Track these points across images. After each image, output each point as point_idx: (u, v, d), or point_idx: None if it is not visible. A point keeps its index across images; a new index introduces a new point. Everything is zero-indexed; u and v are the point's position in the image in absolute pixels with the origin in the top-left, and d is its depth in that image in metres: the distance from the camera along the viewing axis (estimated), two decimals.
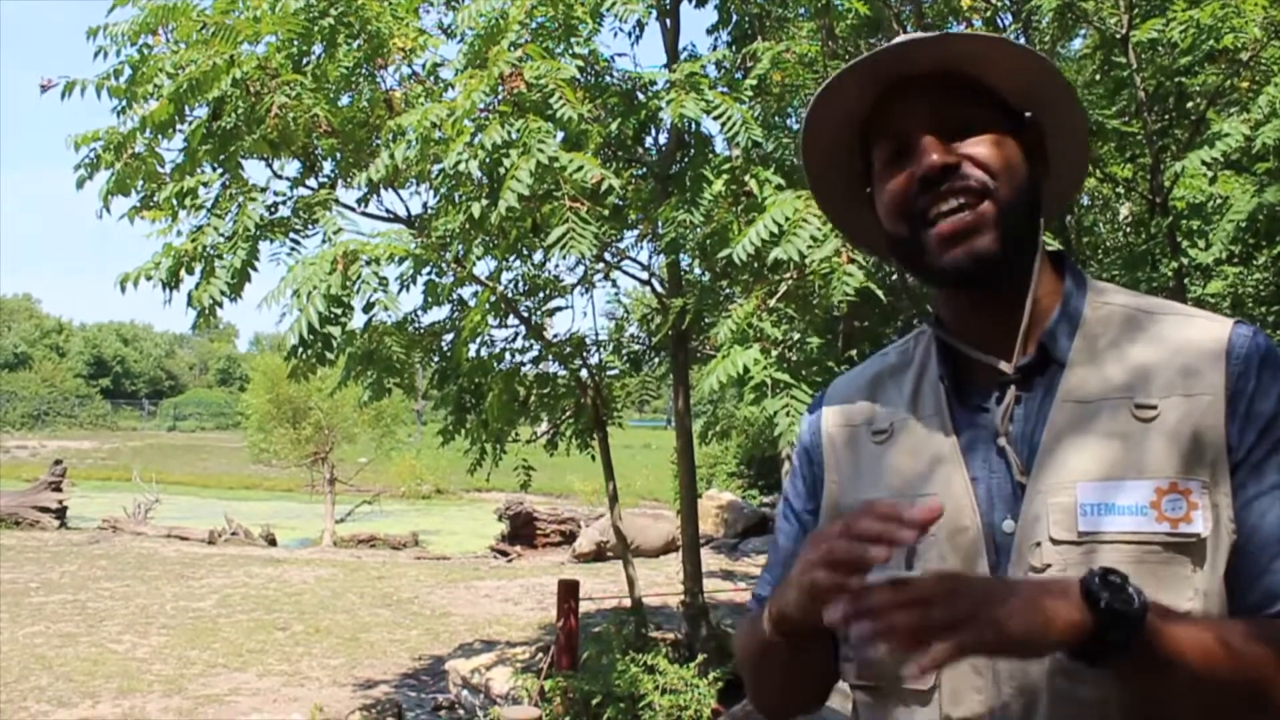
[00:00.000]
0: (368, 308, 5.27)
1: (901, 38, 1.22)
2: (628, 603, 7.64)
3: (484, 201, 4.94)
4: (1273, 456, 1.08)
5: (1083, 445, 1.11)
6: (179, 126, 5.37)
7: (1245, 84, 5.77)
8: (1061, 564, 1.08)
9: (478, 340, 6.56)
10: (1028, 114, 1.21)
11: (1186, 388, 1.10)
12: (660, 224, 5.54)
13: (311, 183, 5.99)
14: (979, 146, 1.15)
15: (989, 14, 6.53)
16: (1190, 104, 6.52)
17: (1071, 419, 1.13)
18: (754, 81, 5.84)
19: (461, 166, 4.67)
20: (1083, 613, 0.96)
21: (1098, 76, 6.60)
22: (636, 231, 7.10)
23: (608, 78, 6.19)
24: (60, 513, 18.79)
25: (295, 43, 5.31)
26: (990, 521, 1.14)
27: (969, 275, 1.16)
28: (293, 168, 5.97)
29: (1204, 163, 5.06)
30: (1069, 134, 1.25)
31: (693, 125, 5.72)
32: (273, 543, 17.87)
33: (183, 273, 5.27)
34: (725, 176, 5.43)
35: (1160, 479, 1.07)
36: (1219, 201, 5.75)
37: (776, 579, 1.32)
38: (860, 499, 1.24)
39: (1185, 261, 5.70)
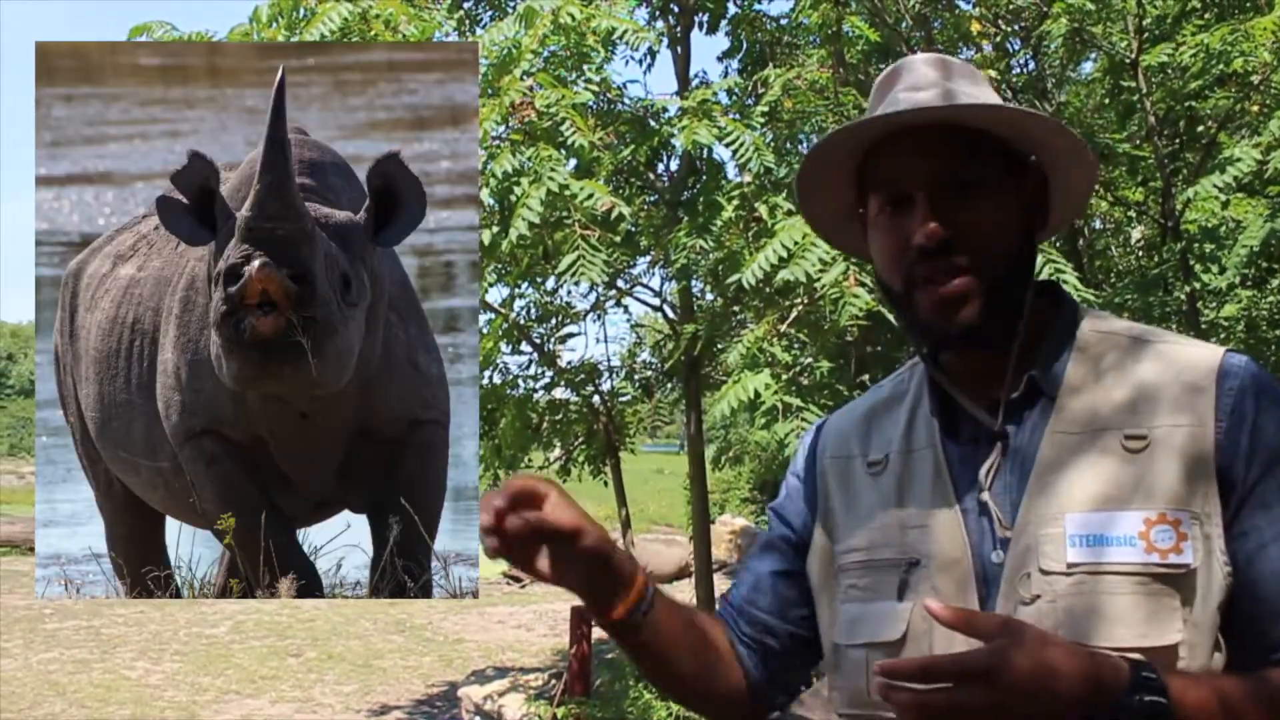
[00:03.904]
0: None
1: (914, 78, 1.21)
2: None
3: (495, 229, 4.97)
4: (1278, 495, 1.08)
5: (1072, 477, 1.11)
6: None
7: (1256, 107, 5.77)
8: (1051, 594, 1.08)
9: (491, 368, 6.58)
10: (1033, 158, 1.22)
11: (1176, 417, 1.10)
12: (672, 250, 5.56)
13: None
14: (979, 214, 1.16)
15: (999, 39, 6.55)
16: (1201, 127, 6.52)
17: (1061, 451, 1.13)
18: (765, 108, 5.86)
19: None
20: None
21: (1107, 100, 6.60)
22: (648, 258, 7.13)
23: (619, 105, 6.23)
24: None
25: None
26: (980, 554, 1.14)
27: (953, 343, 1.19)
28: None
29: (1216, 187, 5.05)
30: (1073, 173, 1.25)
31: (705, 152, 5.74)
32: None
33: None
34: (736, 202, 5.45)
35: (1149, 510, 1.07)
36: (1232, 225, 5.73)
37: (742, 591, 1.39)
38: (854, 530, 1.26)
39: (1198, 285, 5.68)
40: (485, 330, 6.48)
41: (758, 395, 4.64)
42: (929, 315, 1.17)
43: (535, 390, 7.14)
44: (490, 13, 7.05)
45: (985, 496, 1.15)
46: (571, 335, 7.39)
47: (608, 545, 1.20)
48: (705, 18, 6.93)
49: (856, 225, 1.29)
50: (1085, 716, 0.95)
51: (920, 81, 1.22)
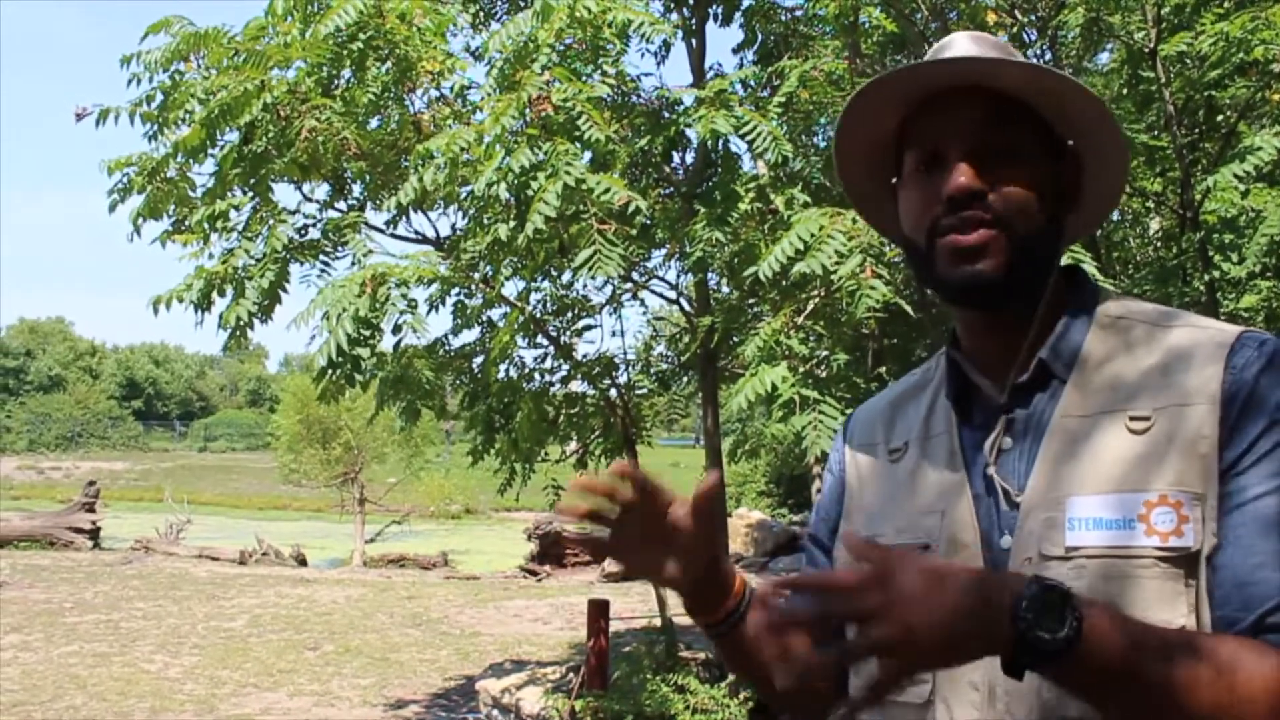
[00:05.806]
0: (396, 329, 5.30)
1: (956, 51, 1.21)
2: (658, 622, 7.62)
3: (511, 223, 4.96)
4: (1262, 463, 1.04)
5: (1076, 460, 1.10)
6: (210, 151, 5.44)
7: (1277, 96, 5.71)
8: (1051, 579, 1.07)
9: (507, 361, 6.58)
10: (1070, 142, 1.20)
11: (1182, 397, 1.08)
12: (688, 243, 5.54)
13: (341, 205, 6.04)
14: (1010, 179, 1.15)
15: (1015, 29, 6.50)
16: (1220, 117, 6.47)
17: (1068, 434, 1.12)
18: (782, 99, 5.84)
19: (492, 190, 4.70)
20: (1004, 637, 0.93)
21: (1125, 91, 6.55)
22: (664, 250, 7.11)
23: (635, 97, 6.21)
24: (94, 533, 18.96)
25: (325, 67, 5.37)
26: (990, 539, 1.14)
27: (970, 294, 1.17)
28: (322, 191, 6.04)
29: (1236, 176, 5.01)
30: (1110, 164, 1.23)
31: (721, 143, 5.72)
32: (303, 563, 17.94)
33: (214, 295, 5.33)
34: (752, 195, 5.43)
35: (1150, 492, 1.05)
36: (1252, 215, 5.69)
37: None
38: (876, 516, 1.26)
39: (1217, 275, 5.63)
40: (501, 324, 6.48)
41: (774, 388, 4.63)
42: (947, 264, 1.16)
43: (552, 383, 7.14)
44: (504, 5, 7.05)
45: (991, 470, 1.15)
46: (588, 328, 7.38)
47: (718, 546, 1.26)
48: (720, 9, 6.91)
49: (889, 196, 1.28)
50: (987, 619, 0.94)
51: (962, 52, 1.21)
